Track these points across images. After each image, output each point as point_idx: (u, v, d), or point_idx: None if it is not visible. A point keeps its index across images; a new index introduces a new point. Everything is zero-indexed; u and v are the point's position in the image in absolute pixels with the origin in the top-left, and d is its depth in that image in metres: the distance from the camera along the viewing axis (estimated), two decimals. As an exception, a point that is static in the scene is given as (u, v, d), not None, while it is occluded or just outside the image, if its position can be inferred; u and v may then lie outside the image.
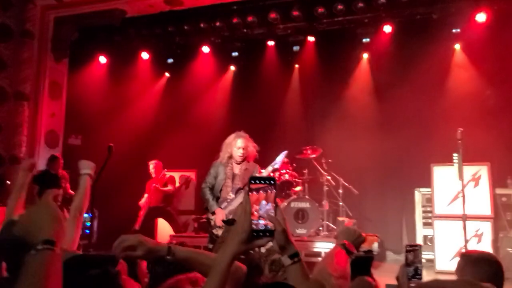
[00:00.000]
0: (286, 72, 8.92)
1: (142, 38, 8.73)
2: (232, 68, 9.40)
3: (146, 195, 8.08)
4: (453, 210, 6.33)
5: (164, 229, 8.21)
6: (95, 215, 7.28)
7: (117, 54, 9.20)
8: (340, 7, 7.32)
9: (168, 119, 9.23)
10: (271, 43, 8.67)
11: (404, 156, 7.48)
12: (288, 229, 1.30)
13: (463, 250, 5.28)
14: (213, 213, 4.84)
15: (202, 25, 8.13)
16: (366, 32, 8.00)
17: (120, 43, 8.90)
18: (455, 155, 5.38)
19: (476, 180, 6.41)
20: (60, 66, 8.76)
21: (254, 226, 1.21)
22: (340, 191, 7.45)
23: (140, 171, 8.54)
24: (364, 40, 8.18)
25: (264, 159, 5.32)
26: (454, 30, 7.56)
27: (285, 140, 7.77)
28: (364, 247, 1.99)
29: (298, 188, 7.47)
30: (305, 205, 6.98)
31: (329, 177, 7.48)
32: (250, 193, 1.23)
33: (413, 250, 2.05)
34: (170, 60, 9.47)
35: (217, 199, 4.92)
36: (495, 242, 6.20)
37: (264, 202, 1.23)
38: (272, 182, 1.25)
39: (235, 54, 9.18)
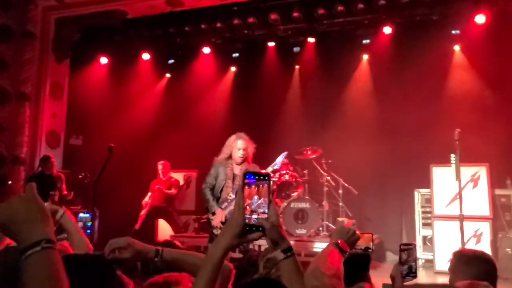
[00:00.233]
0: (286, 73, 8.94)
1: (143, 39, 8.76)
2: (233, 69, 9.41)
3: (149, 194, 8.10)
4: (452, 210, 6.34)
5: (164, 229, 8.23)
6: (96, 215, 7.29)
7: (118, 54, 9.22)
8: (340, 8, 7.34)
9: (169, 119, 9.23)
10: (271, 44, 8.70)
11: (404, 157, 7.47)
12: (281, 224, 1.30)
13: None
14: (213, 214, 4.86)
15: (202, 26, 8.14)
16: (366, 33, 8.03)
17: (121, 44, 8.93)
18: (452, 155, 5.40)
19: (475, 180, 6.43)
20: (61, 66, 8.76)
21: (247, 221, 1.22)
22: (340, 191, 7.47)
23: (140, 171, 8.57)
24: (364, 41, 8.20)
25: (264, 160, 5.34)
26: (453, 32, 7.58)
27: (285, 141, 7.78)
28: (361, 244, 1.99)
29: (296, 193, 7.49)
30: (305, 205, 7.00)
31: (329, 178, 7.50)
32: (243, 188, 1.24)
33: (407, 248, 2.07)
34: (171, 61, 9.48)
35: (217, 199, 4.94)
36: (494, 242, 6.22)
37: (256, 197, 1.24)
38: (266, 177, 1.26)
39: (235, 55, 9.20)
